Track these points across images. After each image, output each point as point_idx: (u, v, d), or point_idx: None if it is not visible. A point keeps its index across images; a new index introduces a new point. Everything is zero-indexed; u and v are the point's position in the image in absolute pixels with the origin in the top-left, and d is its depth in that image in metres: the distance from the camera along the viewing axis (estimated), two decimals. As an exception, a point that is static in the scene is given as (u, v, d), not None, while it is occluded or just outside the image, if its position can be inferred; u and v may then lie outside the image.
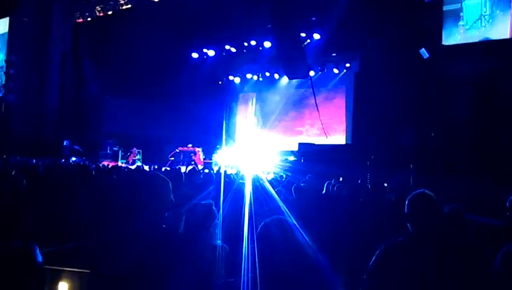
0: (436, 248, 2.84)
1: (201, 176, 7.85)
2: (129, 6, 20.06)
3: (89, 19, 21.66)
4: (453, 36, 13.96)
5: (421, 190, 3.08)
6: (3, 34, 23.19)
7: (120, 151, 20.79)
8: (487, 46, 13.16)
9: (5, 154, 14.55)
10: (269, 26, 17.23)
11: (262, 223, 2.97)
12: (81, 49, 22.28)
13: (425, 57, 14.00)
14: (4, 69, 22.64)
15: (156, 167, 13.54)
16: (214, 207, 3.53)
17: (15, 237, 3.61)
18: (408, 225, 3.00)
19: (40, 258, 2.31)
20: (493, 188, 6.43)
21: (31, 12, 20.99)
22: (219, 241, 3.35)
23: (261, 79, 22.38)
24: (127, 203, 4.86)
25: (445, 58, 13.94)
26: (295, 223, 3.70)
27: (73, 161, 17.11)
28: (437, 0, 14.10)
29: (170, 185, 3.17)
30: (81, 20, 21.91)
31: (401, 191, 5.79)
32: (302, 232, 3.39)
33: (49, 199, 5.39)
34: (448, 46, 13.94)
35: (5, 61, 22.55)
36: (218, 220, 3.63)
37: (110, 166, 12.16)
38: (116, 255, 2.97)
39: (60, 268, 2.97)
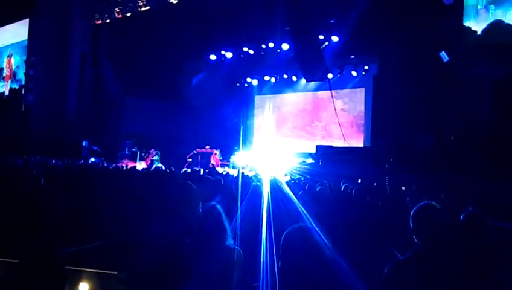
0: (448, 260, 2.77)
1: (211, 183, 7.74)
2: (148, 8, 20.20)
3: (108, 20, 21.86)
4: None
5: (426, 202, 3.01)
6: (19, 42, 23.57)
7: (138, 152, 20.89)
8: (508, 47, 12.99)
9: (25, 154, 14.71)
10: (287, 28, 17.22)
11: (284, 233, 2.92)
12: (100, 50, 22.49)
13: (445, 60, 13.86)
14: (24, 70, 22.97)
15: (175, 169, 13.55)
16: (218, 209, 3.46)
17: (35, 237, 3.65)
18: (414, 238, 2.93)
19: (61, 260, 2.32)
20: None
21: (50, 13, 21.24)
22: (232, 243, 3.31)
23: (278, 81, 22.35)
24: (147, 205, 4.89)
25: (465, 60, 13.79)
26: (315, 227, 3.67)
27: (92, 162, 17.24)
28: (456, 2, 13.96)
29: (200, 201, 3.17)
30: (100, 21, 22.12)
31: (420, 195, 5.73)
32: (323, 238, 3.36)
33: (68, 199, 5.43)
34: (468, 47, 13.78)
35: (25, 61, 22.87)
36: (233, 221, 3.62)
37: (128, 167, 12.24)
38: (135, 256, 2.98)
39: (80, 269, 2.99)
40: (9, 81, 24.25)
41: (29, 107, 21.61)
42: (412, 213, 2.96)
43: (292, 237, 2.82)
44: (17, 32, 23.95)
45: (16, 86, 23.78)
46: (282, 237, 2.85)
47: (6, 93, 24.19)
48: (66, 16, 21.30)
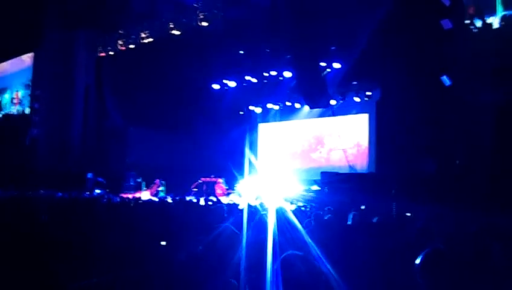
0: None
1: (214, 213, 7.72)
2: (150, 39, 20.45)
3: (112, 52, 22.12)
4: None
5: (434, 247, 2.98)
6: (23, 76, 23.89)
7: (143, 183, 20.89)
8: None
9: (30, 187, 14.74)
10: (289, 56, 17.37)
11: (280, 258, 2.92)
12: (104, 82, 22.72)
13: (446, 85, 13.90)
14: (29, 103, 23.20)
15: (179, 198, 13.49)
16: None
17: (42, 272, 3.64)
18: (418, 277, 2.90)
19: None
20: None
21: (54, 47, 21.55)
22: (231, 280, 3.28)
23: (282, 108, 22.45)
24: (149, 237, 4.87)
25: (468, 84, 13.82)
26: (320, 256, 3.65)
27: (97, 193, 17.24)
28: (457, 27, 14.06)
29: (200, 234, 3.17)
30: (103, 54, 22.39)
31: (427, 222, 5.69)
32: (328, 266, 3.33)
33: (73, 231, 5.43)
34: (470, 71, 13.82)
35: (30, 95, 23.11)
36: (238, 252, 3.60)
37: (132, 198, 12.23)
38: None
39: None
40: (18, 105, 24.58)
41: (34, 140, 21.74)
42: (419, 263, 2.93)
43: (288, 264, 2.83)
44: (22, 65, 24.28)
45: (22, 109, 24.05)
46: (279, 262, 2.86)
47: (15, 112, 24.45)
48: (70, 49, 21.65)
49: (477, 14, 14.18)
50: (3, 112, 25.39)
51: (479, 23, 14.15)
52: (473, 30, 14.31)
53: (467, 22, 14.39)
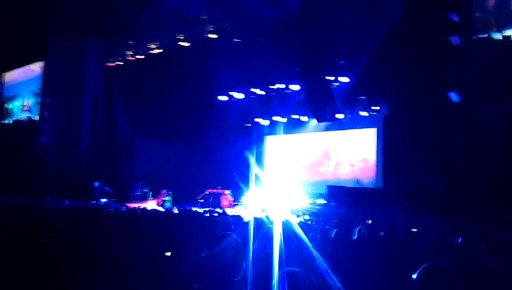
0: None
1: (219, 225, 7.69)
2: (160, 50, 20.59)
3: (121, 62, 22.28)
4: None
5: (430, 264, 2.98)
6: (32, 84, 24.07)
7: (149, 193, 20.92)
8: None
9: (38, 195, 14.79)
10: (297, 69, 17.42)
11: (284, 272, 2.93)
12: (113, 92, 22.86)
13: (454, 101, 13.88)
14: (38, 111, 23.36)
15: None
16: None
17: (52, 279, 3.65)
18: None
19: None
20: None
21: (64, 56, 21.74)
22: None
23: (289, 121, 22.45)
24: (154, 248, 4.88)
25: (475, 99, 13.79)
26: (328, 270, 3.64)
27: (103, 203, 17.27)
28: (465, 43, 14.06)
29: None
30: (113, 63, 22.56)
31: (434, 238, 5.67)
32: (335, 279, 3.32)
33: (78, 240, 5.43)
34: (481, 85, 13.77)
35: (39, 103, 23.28)
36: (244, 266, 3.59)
37: (138, 208, 12.23)
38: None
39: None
40: (28, 112, 24.73)
41: (43, 148, 21.87)
42: (418, 272, 2.93)
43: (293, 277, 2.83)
44: (30, 74, 24.49)
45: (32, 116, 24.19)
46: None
47: (25, 118, 24.60)
48: (79, 59, 21.82)
49: (497, 26, 14.11)
50: (13, 119, 25.56)
51: (498, 36, 14.06)
52: (490, 42, 14.20)
53: (484, 35, 14.31)
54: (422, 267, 2.94)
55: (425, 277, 2.91)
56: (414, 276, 2.93)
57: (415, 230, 8.36)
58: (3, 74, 25.99)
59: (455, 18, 13.70)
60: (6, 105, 25.88)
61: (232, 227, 6.79)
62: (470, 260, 4.83)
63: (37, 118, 23.60)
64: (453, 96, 13.92)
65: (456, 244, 5.55)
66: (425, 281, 2.90)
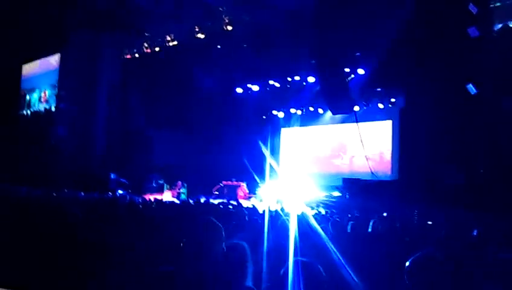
0: None
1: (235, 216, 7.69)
2: (175, 42, 20.62)
3: (137, 54, 22.37)
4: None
5: (425, 251, 3.00)
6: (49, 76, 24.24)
7: (165, 185, 21.04)
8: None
9: (54, 187, 14.94)
10: (313, 61, 17.34)
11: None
12: (129, 83, 22.99)
13: (472, 93, 13.71)
14: (54, 103, 23.58)
15: (203, 200, 13.55)
16: (243, 247, 3.44)
17: (73, 273, 3.69)
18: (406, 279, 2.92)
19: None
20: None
21: (80, 48, 21.90)
22: (250, 285, 3.27)
23: (304, 113, 22.41)
24: (172, 242, 4.90)
25: (493, 92, 13.63)
26: (344, 263, 3.63)
27: (119, 194, 17.41)
28: (484, 35, 13.87)
29: (223, 232, 3.16)
30: (129, 56, 22.66)
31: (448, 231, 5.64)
32: (350, 272, 3.32)
33: (98, 233, 5.48)
34: (499, 78, 13.61)
35: (55, 95, 23.50)
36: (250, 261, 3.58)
37: (154, 199, 12.32)
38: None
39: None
40: (45, 103, 24.96)
41: (59, 139, 22.08)
42: (410, 261, 2.97)
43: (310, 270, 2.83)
44: (48, 66, 24.69)
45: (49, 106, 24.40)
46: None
47: (42, 109, 24.84)
48: (95, 51, 21.96)
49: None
50: (31, 110, 25.85)
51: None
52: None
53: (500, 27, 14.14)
54: (414, 256, 2.97)
55: (416, 266, 2.95)
56: (407, 264, 2.98)
57: (430, 223, 8.32)
58: (23, 66, 26.23)
59: (473, 9, 13.49)
60: (26, 97, 26.15)
61: (246, 219, 6.80)
62: (482, 252, 4.79)
63: (53, 109, 23.83)
64: (471, 89, 13.75)
65: (471, 237, 5.51)
66: (417, 270, 2.94)
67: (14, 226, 5.02)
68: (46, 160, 21.06)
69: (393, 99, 19.29)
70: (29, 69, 26.15)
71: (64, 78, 23.04)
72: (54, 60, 24.18)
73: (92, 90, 22.07)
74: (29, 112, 25.91)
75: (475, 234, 5.48)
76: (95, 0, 20.37)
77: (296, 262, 3.66)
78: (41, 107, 24.99)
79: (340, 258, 4.13)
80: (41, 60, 25.12)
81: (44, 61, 24.97)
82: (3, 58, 22.51)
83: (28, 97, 26.07)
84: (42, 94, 25.11)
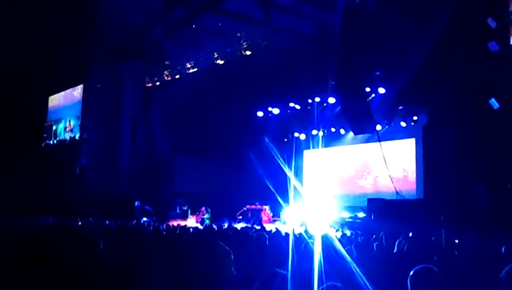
0: None
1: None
2: (195, 69, 20.84)
3: (158, 83, 22.66)
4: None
5: (424, 266, 3.02)
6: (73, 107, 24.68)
7: (189, 211, 21.09)
8: None
9: (79, 216, 15.08)
10: (333, 82, 17.33)
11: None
12: (151, 111, 23.27)
13: (495, 108, 13.52)
14: (79, 132, 23.94)
15: (226, 225, 13.54)
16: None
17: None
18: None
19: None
20: None
21: (103, 79, 22.32)
22: None
23: (326, 135, 22.32)
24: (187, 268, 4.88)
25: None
26: (368, 285, 3.57)
27: (144, 221, 17.49)
28: (504, 51, 13.72)
29: (232, 257, 3.14)
30: (150, 84, 22.97)
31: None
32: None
33: (122, 260, 5.49)
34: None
35: (79, 126, 23.89)
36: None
37: (178, 226, 12.34)
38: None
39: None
40: (70, 132, 25.32)
41: (83, 169, 22.37)
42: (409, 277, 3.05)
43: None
44: (72, 97, 25.16)
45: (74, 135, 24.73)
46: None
47: (67, 138, 25.19)
48: (117, 80, 22.37)
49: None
50: (57, 139, 26.30)
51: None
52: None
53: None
54: (414, 269, 3.08)
55: (416, 280, 3.07)
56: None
57: (457, 241, 8.16)
58: (49, 98, 26.79)
59: (493, 24, 13.39)
60: (53, 127, 26.62)
61: (267, 243, 6.75)
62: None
63: (78, 136, 24.20)
64: (494, 103, 13.56)
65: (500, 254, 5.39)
66: (417, 283, 3.05)
67: (39, 255, 5.05)
68: (72, 189, 21.32)
69: (415, 117, 19.12)
70: (55, 100, 26.68)
71: (88, 108, 23.44)
72: (77, 91, 24.65)
73: (115, 118, 22.40)
74: (55, 141, 26.34)
75: (503, 251, 5.36)
76: (115, 32, 20.78)
77: (321, 286, 3.61)
78: (67, 136, 25.39)
79: (366, 281, 4.07)
80: (65, 92, 25.62)
81: (68, 93, 25.46)
82: (31, 91, 23.13)
83: (54, 127, 26.53)
84: (67, 124, 25.54)
